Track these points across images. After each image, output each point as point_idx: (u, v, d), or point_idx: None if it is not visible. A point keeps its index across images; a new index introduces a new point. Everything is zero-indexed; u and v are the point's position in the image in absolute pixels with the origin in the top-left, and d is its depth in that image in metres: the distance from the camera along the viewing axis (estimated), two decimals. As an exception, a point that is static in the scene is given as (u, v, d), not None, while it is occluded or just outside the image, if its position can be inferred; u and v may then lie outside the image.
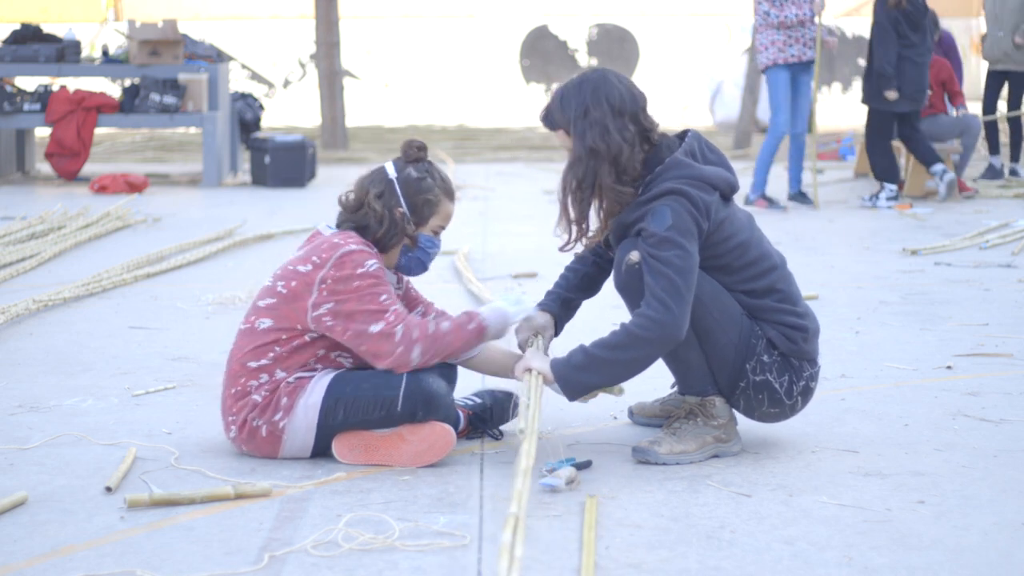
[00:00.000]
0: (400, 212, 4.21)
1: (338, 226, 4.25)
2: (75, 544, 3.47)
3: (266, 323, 4.14)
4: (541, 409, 3.96)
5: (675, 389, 4.47)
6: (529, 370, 4.10)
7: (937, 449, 4.31)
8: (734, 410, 4.27)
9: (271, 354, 4.12)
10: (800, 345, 4.20)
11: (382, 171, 4.27)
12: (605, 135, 4.10)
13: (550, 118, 4.20)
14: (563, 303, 4.44)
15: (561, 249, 4.33)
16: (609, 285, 4.43)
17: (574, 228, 4.20)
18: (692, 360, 4.19)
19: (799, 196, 10.77)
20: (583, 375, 4.05)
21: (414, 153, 4.26)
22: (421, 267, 4.32)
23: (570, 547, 3.46)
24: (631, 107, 4.13)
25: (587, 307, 4.57)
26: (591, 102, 4.12)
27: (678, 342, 4.04)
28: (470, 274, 7.32)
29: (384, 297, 4.08)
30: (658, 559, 3.39)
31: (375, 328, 4.05)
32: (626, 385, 4.29)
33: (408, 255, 4.27)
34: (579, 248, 4.33)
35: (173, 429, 4.51)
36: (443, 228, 4.31)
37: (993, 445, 4.35)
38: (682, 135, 4.23)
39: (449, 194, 4.29)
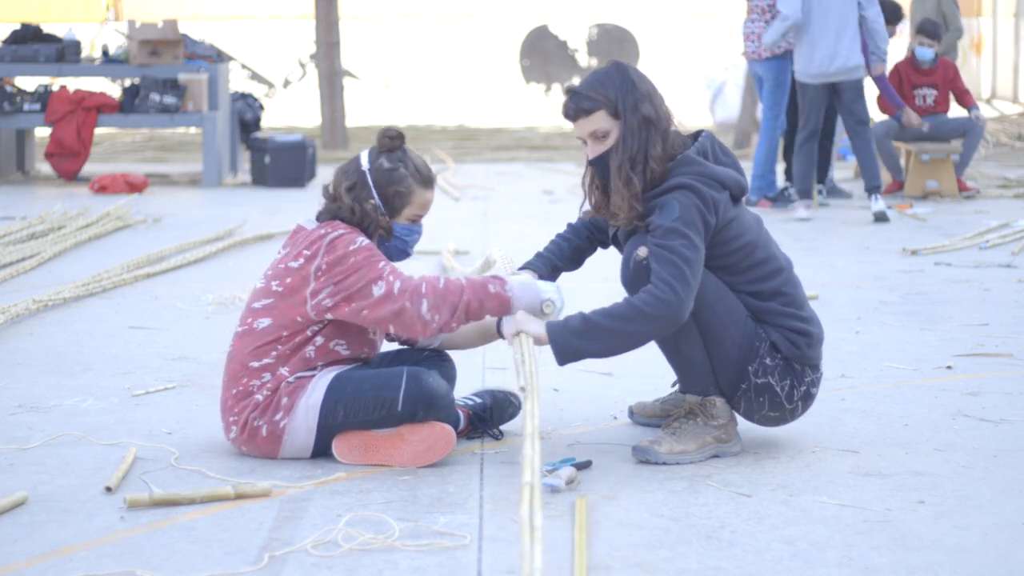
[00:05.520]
0: (372, 204, 4.18)
1: (318, 217, 4.25)
2: (75, 544, 3.47)
3: (265, 322, 4.14)
4: (538, 369, 3.90)
5: (675, 388, 4.47)
6: (519, 333, 4.08)
7: (937, 449, 4.31)
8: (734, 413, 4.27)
9: (274, 353, 4.12)
10: (803, 350, 4.20)
11: (356, 161, 4.24)
12: (659, 104, 4.15)
13: (584, 102, 4.13)
14: (552, 270, 4.44)
15: (614, 225, 4.28)
16: (591, 261, 4.50)
17: (635, 203, 4.14)
18: (696, 358, 4.19)
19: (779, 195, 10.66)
20: (578, 341, 4.02)
21: (387, 143, 4.22)
22: (401, 255, 4.29)
23: (571, 547, 3.46)
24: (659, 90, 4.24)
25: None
26: (636, 78, 4.15)
27: (679, 325, 4.04)
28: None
29: (382, 264, 4.07)
30: (658, 559, 3.39)
31: (377, 291, 4.03)
32: (626, 384, 4.28)
33: (385, 244, 4.25)
34: (633, 226, 4.24)
35: (173, 429, 4.51)
36: (421, 216, 4.26)
37: (993, 445, 4.35)
38: (696, 135, 4.24)
39: (424, 182, 4.23)
